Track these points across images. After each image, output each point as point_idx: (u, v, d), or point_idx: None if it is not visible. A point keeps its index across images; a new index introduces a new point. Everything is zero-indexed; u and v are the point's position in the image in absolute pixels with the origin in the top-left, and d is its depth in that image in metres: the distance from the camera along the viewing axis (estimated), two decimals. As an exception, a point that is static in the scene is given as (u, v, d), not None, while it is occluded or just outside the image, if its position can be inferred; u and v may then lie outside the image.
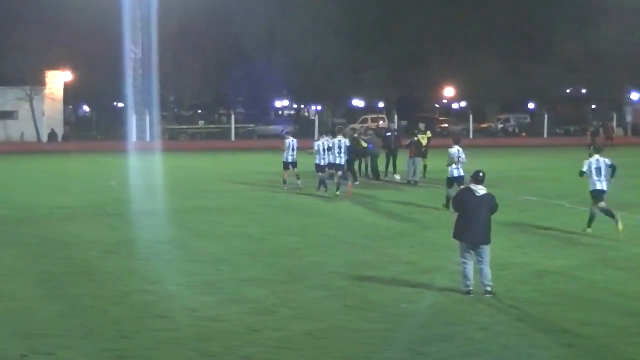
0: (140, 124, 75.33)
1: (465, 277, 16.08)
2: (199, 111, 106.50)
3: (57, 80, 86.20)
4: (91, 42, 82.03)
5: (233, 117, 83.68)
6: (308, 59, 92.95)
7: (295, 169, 35.40)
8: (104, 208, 29.42)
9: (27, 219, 26.66)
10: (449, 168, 28.26)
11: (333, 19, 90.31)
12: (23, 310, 14.97)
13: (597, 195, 23.29)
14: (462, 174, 27.51)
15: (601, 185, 23.21)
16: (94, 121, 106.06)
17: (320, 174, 34.09)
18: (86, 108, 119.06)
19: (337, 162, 32.77)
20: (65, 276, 17.83)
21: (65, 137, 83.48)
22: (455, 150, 28.17)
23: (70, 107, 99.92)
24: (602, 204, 23.25)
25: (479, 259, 16.01)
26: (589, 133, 60.00)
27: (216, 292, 16.33)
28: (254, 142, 78.77)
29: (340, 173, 32.90)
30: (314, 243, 22.13)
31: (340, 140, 33.01)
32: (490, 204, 16.25)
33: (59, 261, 19.56)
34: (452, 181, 27.91)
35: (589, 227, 23.41)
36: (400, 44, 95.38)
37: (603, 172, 23.19)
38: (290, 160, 35.45)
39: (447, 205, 26.87)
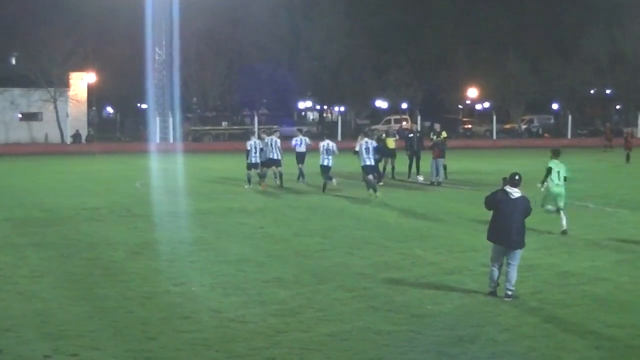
0: (164, 125, 75.55)
1: (492, 279, 16.06)
2: (224, 112, 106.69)
3: (81, 82, 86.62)
4: (115, 44, 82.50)
5: (256, 118, 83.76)
6: (332, 60, 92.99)
7: (279, 167, 36.57)
8: (129, 209, 29.50)
9: (53, 220, 26.76)
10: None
11: (357, 20, 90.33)
12: (49, 310, 15.02)
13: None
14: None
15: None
16: (118, 122, 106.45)
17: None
18: (110, 109, 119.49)
19: (367, 163, 32.75)
20: (91, 277, 17.90)
21: (89, 139, 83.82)
22: None
23: (94, 108, 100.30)
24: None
25: (510, 261, 15.95)
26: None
27: (241, 293, 16.34)
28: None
29: (370, 175, 32.87)
30: (339, 244, 22.12)
31: (367, 142, 33.00)
32: (524, 207, 16.17)
33: (84, 262, 19.63)
34: None
35: None
36: (425, 45, 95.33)
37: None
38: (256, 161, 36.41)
39: None
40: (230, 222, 26.17)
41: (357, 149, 33.08)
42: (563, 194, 23.83)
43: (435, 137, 38.88)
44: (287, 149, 38.26)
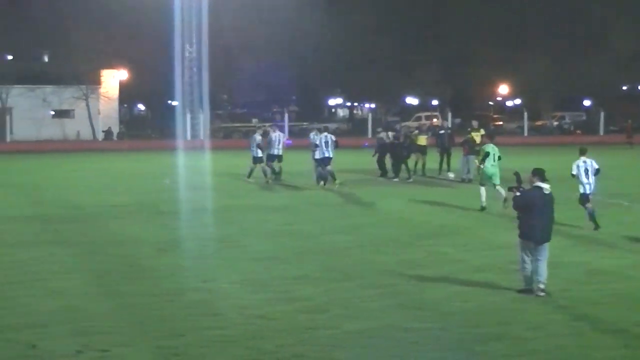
0: (194, 122, 75.74)
1: (527, 276, 16.00)
2: (253, 109, 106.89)
3: (113, 79, 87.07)
4: (146, 41, 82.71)
5: (286, 115, 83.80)
6: (362, 57, 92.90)
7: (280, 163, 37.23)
8: (158, 206, 29.62)
9: (82, 217, 26.92)
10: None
11: (387, 17, 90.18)
12: (78, 307, 15.13)
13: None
14: None
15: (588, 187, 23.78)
16: (149, 119, 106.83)
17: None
18: (141, 106, 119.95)
19: (326, 155, 34.56)
20: (119, 274, 18.00)
21: (120, 136, 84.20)
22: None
23: (125, 105, 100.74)
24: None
25: (539, 257, 15.91)
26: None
27: (267, 290, 16.38)
28: (306, 140, 78.59)
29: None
30: (366, 241, 22.12)
31: (326, 135, 33.86)
32: (553, 201, 16.27)
33: (113, 259, 19.74)
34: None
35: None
36: (455, 41, 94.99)
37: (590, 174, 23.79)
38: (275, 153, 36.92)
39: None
40: (257, 220, 26.22)
41: (317, 142, 34.92)
42: (497, 174, 27.61)
43: (473, 133, 38.73)
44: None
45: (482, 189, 27.88)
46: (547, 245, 16.07)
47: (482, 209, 27.47)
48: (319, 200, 31.27)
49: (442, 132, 41.45)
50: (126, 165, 50.54)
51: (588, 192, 23.70)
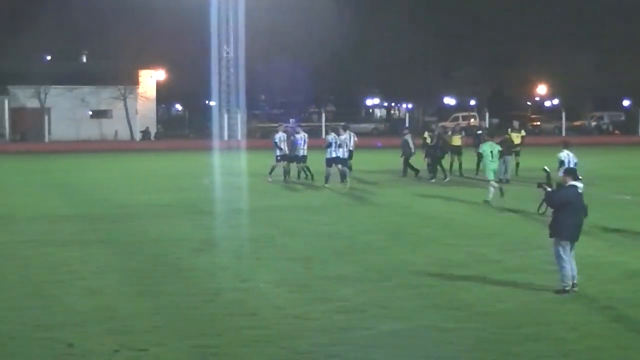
0: (231, 122, 75.95)
1: (566, 276, 15.88)
2: (291, 109, 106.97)
3: (150, 80, 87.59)
4: (183, 42, 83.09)
5: (323, 115, 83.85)
6: (400, 57, 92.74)
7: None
8: (196, 206, 29.73)
9: (120, 217, 27.07)
10: None
11: (425, 17, 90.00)
12: (116, 306, 15.21)
13: None
14: None
15: None
16: (186, 119, 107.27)
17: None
18: (178, 106, 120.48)
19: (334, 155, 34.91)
20: (157, 273, 18.08)
21: (158, 136, 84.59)
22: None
23: (163, 105, 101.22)
24: None
25: (571, 255, 15.95)
26: None
27: (305, 290, 16.39)
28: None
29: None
30: (403, 241, 22.09)
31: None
32: (583, 198, 16.29)
33: (151, 258, 19.83)
34: None
35: None
36: (493, 41, 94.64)
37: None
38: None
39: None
40: (294, 220, 26.24)
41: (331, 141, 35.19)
42: (497, 168, 31.05)
43: (513, 133, 38.62)
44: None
45: (491, 186, 29.77)
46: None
47: (485, 202, 29.33)
48: (356, 201, 31.26)
49: (479, 132, 41.27)
50: (164, 165, 50.79)
51: None
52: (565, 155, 26.99)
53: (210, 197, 32.72)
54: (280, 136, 38.17)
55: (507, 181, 36.23)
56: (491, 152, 29.87)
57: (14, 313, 14.75)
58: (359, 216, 27.13)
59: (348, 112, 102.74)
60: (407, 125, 60.47)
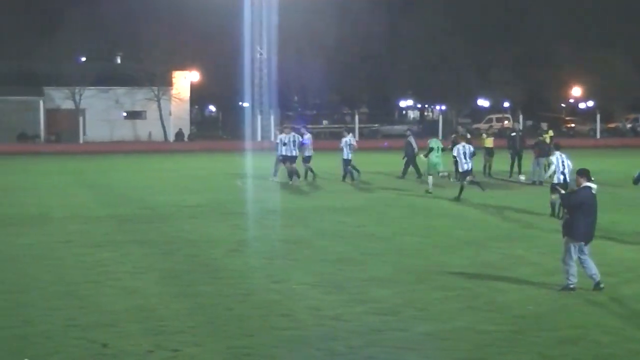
0: (264, 123, 75.99)
1: (572, 274, 16.07)
2: (324, 110, 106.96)
3: (184, 81, 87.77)
4: (217, 43, 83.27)
5: (357, 116, 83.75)
6: (433, 59, 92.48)
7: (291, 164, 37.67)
8: (229, 207, 29.76)
9: (154, 217, 27.14)
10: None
11: (460, 17, 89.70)
12: (150, 306, 15.23)
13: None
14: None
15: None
16: (220, 120, 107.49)
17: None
18: (212, 108, 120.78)
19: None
20: (191, 274, 18.09)
21: (191, 137, 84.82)
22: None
23: (196, 107, 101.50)
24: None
25: (585, 254, 16.13)
26: None
27: (340, 292, 16.33)
28: (377, 141, 78.41)
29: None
30: (439, 243, 21.99)
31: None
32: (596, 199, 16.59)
33: (185, 259, 19.86)
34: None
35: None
36: (528, 42, 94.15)
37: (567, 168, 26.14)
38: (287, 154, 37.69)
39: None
40: (329, 221, 26.19)
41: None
42: (440, 163, 34.87)
43: (541, 136, 38.41)
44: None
45: (430, 178, 34.04)
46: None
47: (428, 192, 33.13)
48: (391, 202, 31.16)
49: (513, 134, 41.08)
50: (197, 166, 50.88)
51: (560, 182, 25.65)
52: (557, 157, 26.58)
53: (243, 198, 32.74)
54: (282, 137, 38.13)
55: (541, 183, 35.97)
56: (437, 148, 34.45)
57: (49, 313, 14.78)
58: (394, 217, 27.06)
59: (381, 114, 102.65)
60: (439, 127, 60.14)
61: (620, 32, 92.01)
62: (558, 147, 27.65)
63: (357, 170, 38.46)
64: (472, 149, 32.11)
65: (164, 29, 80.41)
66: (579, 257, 16.09)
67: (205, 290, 16.51)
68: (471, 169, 32.03)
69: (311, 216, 27.26)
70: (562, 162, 26.30)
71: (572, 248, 16.04)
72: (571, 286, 16.01)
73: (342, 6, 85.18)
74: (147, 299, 15.78)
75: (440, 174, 36.16)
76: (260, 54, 76.12)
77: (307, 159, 38.85)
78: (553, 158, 26.77)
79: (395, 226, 25.08)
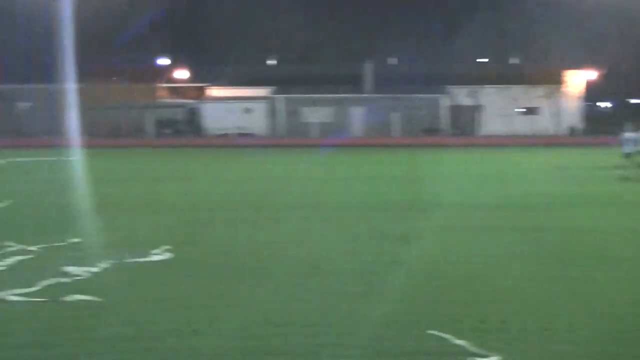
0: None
1: None
2: None
3: (577, 78, 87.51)
4: (614, 43, 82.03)
5: None
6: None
7: None
8: (622, 197, 28.91)
9: (538, 206, 26.76)
10: None
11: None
12: (525, 287, 15.16)
13: None
14: None
15: None
16: (613, 117, 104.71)
17: None
18: (606, 104, 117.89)
19: None
20: (585, 261, 17.59)
21: (584, 132, 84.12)
22: None
23: (590, 103, 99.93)
24: None
25: None
26: None
27: None
28: None
29: None
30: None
31: None
32: None
33: (554, 246, 19.39)
34: None
35: None
36: None
37: None
38: None
39: None
40: None
41: None
42: None
43: None
44: None
45: None
46: None
47: None
48: None
49: None
50: (592, 159, 49.41)
51: None
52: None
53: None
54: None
55: None
56: None
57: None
58: None
59: None
60: None
61: None
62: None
63: None
64: None
65: (558, 31, 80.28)
66: None
67: (583, 276, 15.99)
68: None
69: None
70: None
71: None
72: None
73: None
74: (521, 281, 15.73)
75: None
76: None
77: None
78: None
79: None
